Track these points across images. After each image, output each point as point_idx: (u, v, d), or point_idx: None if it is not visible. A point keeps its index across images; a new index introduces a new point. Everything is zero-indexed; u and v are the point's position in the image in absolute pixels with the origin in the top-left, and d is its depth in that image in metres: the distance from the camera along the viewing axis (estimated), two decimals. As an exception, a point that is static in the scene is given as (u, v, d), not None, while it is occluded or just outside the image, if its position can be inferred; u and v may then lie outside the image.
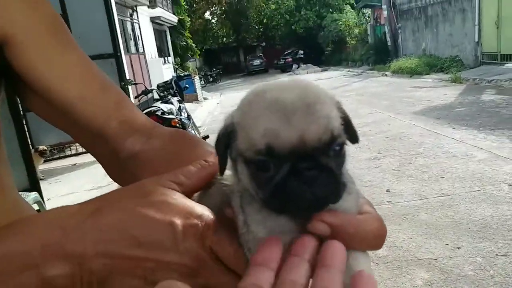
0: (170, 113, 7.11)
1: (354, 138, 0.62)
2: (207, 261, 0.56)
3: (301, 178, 0.52)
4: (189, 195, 0.63)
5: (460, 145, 6.50)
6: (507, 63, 15.45)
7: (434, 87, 13.88)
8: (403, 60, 21.03)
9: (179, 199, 0.61)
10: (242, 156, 0.56)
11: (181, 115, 7.54)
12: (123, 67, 11.53)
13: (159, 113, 6.82)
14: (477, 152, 6.07)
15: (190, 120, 8.01)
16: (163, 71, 18.51)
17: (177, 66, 20.62)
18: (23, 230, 0.58)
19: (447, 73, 16.95)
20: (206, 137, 8.09)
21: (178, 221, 0.57)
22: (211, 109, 15.92)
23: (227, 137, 0.58)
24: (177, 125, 6.93)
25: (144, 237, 0.56)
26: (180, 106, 7.86)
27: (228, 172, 0.64)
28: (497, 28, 16.06)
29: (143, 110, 7.16)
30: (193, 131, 7.89)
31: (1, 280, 0.54)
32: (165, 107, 7.18)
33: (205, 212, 0.60)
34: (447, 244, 3.85)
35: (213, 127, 11.54)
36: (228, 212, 0.61)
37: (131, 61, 13.14)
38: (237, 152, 0.57)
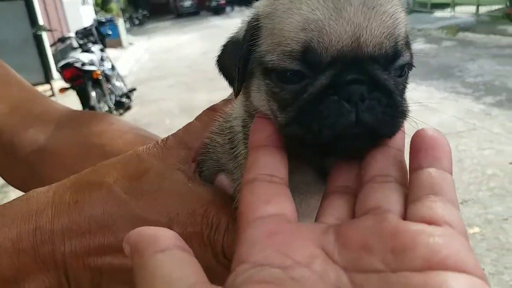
0: (91, 64, 6.55)
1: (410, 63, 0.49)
2: (215, 268, 0.45)
3: (345, 93, 0.35)
4: (194, 156, 0.52)
5: (391, 96, 6.66)
6: (436, 11, 16.26)
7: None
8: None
9: (180, 183, 0.49)
10: (262, 65, 0.40)
11: (103, 66, 7.00)
12: (35, 10, 10.33)
13: (78, 64, 6.23)
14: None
15: (114, 71, 7.48)
16: (82, 14, 17.01)
17: (98, 9, 18.98)
18: None
19: (380, 22, 17.46)
20: (133, 89, 7.61)
21: (177, 227, 0.47)
22: (138, 56, 14.93)
23: (249, 37, 0.41)
24: (100, 77, 6.43)
25: None
26: (102, 56, 7.28)
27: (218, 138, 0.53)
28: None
29: (60, 61, 6.52)
30: (117, 83, 7.39)
31: None
32: (85, 57, 6.57)
33: (210, 205, 0.47)
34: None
35: (141, 77, 10.82)
36: (220, 179, 0.52)
37: (44, 3, 11.81)
38: (256, 60, 0.41)
